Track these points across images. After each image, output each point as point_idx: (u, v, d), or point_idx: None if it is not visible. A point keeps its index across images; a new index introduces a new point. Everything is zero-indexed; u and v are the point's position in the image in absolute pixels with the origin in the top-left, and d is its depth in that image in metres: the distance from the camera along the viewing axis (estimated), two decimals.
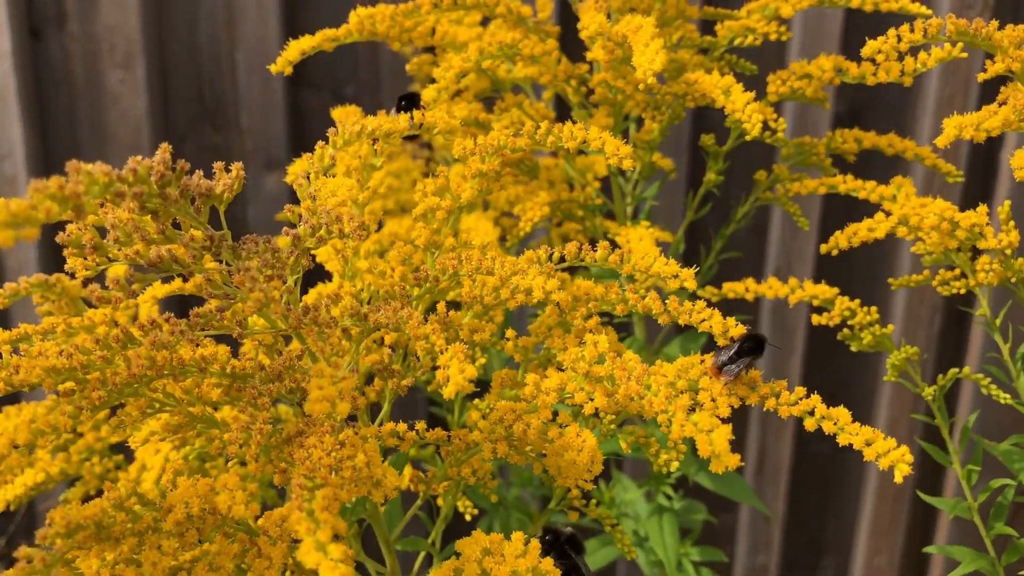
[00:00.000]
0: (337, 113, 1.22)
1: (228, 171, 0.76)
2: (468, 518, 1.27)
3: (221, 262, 0.76)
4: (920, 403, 2.38)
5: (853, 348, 1.19)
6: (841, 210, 1.40)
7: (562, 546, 0.98)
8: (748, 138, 1.04)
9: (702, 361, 0.87)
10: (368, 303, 0.98)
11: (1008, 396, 1.15)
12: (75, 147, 2.12)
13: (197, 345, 0.81)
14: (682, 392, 0.85)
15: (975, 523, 1.18)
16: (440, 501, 1.09)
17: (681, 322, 0.91)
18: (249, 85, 2.12)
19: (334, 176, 1.03)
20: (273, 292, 0.68)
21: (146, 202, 0.70)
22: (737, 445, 2.44)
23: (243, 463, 0.87)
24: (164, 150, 0.69)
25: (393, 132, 0.98)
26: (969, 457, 1.22)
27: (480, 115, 1.30)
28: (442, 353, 0.74)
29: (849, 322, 1.19)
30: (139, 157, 0.68)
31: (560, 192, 1.32)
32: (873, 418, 2.43)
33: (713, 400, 0.86)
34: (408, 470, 1.20)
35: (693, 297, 1.36)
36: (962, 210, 1.10)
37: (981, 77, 1.05)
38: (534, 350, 1.00)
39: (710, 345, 0.92)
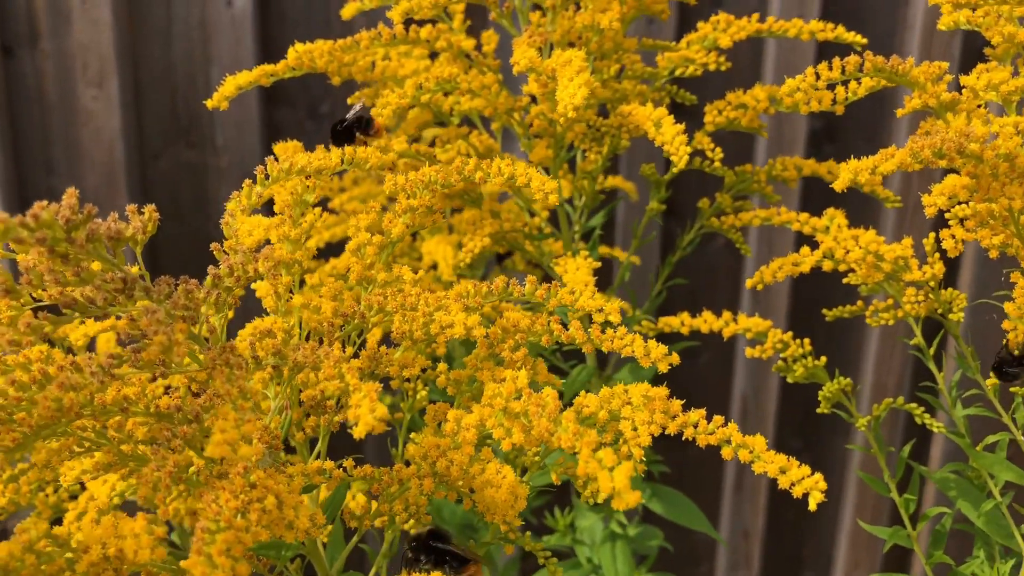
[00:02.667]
0: (278, 148, 1.23)
1: (141, 213, 0.76)
2: None
3: (135, 303, 0.77)
4: (896, 422, 2.38)
5: (788, 379, 1.20)
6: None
7: (427, 544, 1.00)
8: (675, 170, 1.05)
9: None
10: (307, 338, 0.99)
11: (942, 425, 1.16)
12: (48, 165, 2.13)
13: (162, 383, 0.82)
14: (603, 422, 0.86)
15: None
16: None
17: (604, 349, 0.93)
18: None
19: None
20: (177, 335, 0.68)
21: (55, 246, 0.70)
22: (716, 462, 2.45)
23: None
24: (71, 195, 0.69)
25: (324, 169, 0.99)
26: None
27: (423, 147, 1.31)
28: (356, 392, 0.74)
29: (782, 354, 1.20)
30: (44, 202, 0.68)
31: (503, 223, 1.33)
32: (851, 434, 2.43)
33: (635, 429, 0.87)
34: (359, 499, 1.20)
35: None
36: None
37: (900, 113, 1.07)
38: (468, 383, 1.00)
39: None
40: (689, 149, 1.04)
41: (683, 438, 2.44)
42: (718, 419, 0.85)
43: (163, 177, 2.18)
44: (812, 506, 0.79)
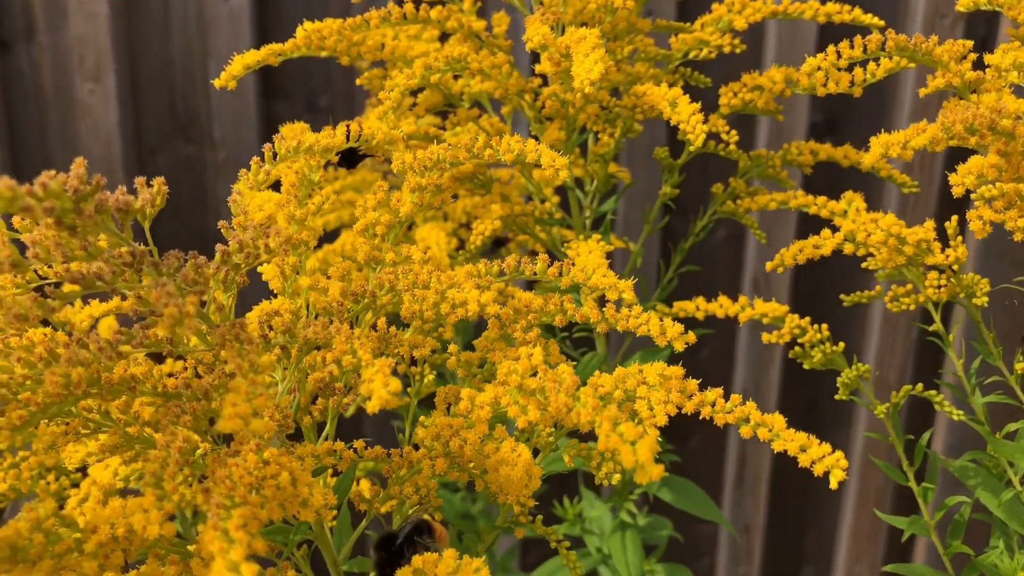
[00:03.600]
0: (285, 129, 1.21)
1: (150, 185, 0.75)
2: None
3: (142, 278, 0.75)
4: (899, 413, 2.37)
5: (805, 366, 1.19)
6: (817, 221, 1.41)
7: (390, 549, 0.94)
8: (691, 149, 1.04)
9: None
10: (316, 319, 0.97)
11: (961, 413, 1.14)
12: (45, 160, 2.12)
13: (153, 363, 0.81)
14: (618, 402, 0.85)
15: None
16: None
17: (620, 328, 0.91)
18: (221, 96, 2.12)
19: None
20: (188, 307, 0.67)
21: (62, 217, 0.69)
22: (717, 455, 2.44)
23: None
24: (79, 164, 0.68)
25: (331, 148, 0.97)
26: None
27: (432, 130, 1.29)
28: (368, 367, 0.73)
29: (799, 340, 1.18)
30: (52, 172, 0.67)
31: (514, 206, 1.31)
32: (853, 426, 2.42)
33: (651, 408, 0.86)
34: (362, 484, 1.18)
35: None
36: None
37: (923, 92, 1.05)
38: (479, 365, 0.99)
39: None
40: (706, 128, 1.02)
41: (683, 432, 2.40)
42: (736, 398, 0.84)
43: (161, 172, 2.17)
44: (833, 484, 0.78)
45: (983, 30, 2.17)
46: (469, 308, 0.84)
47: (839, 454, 0.78)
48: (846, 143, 1.37)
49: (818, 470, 0.78)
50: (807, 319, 1.19)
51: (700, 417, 0.84)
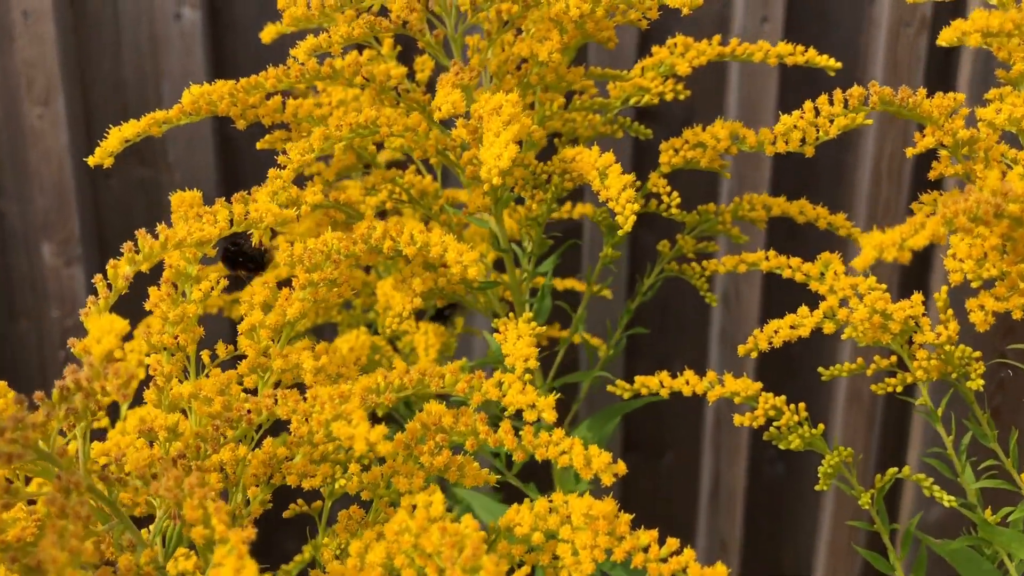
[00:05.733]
0: (175, 199, 1.07)
1: None
2: None
3: None
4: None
5: (781, 447, 1.05)
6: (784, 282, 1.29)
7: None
8: (620, 233, 0.90)
9: None
10: (211, 421, 0.84)
11: (952, 499, 1.03)
12: None
13: None
14: (537, 545, 0.73)
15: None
16: None
17: (538, 457, 0.79)
18: None
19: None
20: None
21: None
22: (692, 471, 2.33)
23: None
24: None
25: (206, 241, 0.84)
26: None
27: (343, 196, 1.16)
28: (220, 544, 0.60)
29: (775, 423, 1.03)
30: None
31: (439, 277, 1.16)
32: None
33: (575, 554, 0.74)
34: None
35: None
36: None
37: (910, 152, 0.93)
38: (386, 485, 0.86)
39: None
40: (637, 207, 0.88)
41: (658, 448, 2.25)
42: (671, 543, 0.72)
43: (115, 196, 2.11)
44: None
45: None
46: (357, 446, 0.71)
47: None
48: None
49: None
50: (782, 398, 1.04)
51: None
